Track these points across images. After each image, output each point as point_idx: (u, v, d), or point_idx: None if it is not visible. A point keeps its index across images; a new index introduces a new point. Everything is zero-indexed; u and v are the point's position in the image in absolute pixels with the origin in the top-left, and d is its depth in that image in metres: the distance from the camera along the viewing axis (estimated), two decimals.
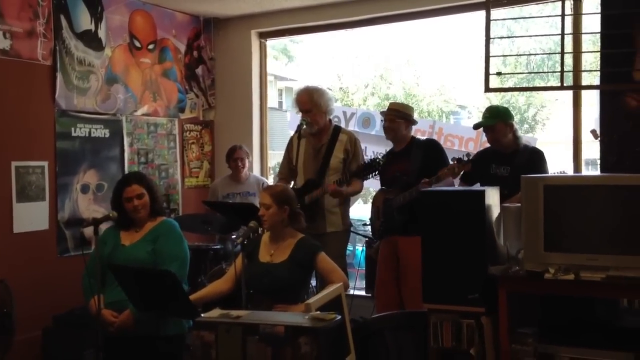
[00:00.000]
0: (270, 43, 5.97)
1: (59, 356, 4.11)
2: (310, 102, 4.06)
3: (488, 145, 4.14)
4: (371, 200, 4.46)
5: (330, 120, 4.22)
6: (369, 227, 4.46)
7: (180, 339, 3.26)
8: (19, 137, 4.32)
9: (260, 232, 3.37)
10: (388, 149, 4.38)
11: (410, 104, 4.73)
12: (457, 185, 4.06)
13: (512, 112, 4.15)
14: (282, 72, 14.39)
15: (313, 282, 3.81)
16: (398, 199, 4.03)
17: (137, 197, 3.24)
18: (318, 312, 2.22)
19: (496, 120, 3.87)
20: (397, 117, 4.18)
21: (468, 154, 4.07)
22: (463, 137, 6.06)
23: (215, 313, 2.26)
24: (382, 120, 4.40)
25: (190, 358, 3.88)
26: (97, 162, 4.84)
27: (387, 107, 4.32)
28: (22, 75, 4.34)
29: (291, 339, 2.03)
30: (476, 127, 4.09)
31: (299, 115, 4.17)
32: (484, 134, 4.04)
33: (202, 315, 2.27)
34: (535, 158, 3.88)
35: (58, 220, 4.55)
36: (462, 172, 3.89)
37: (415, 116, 4.37)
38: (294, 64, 14.93)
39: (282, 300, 2.97)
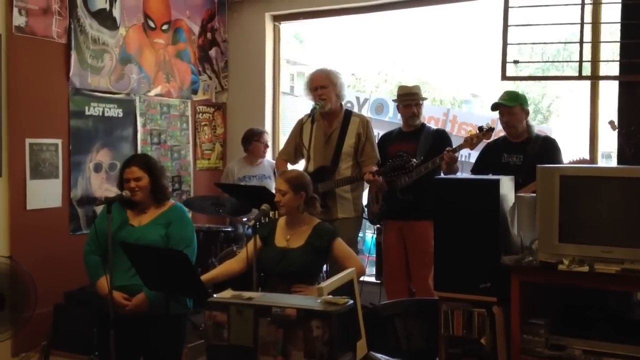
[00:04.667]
0: (283, 27, 5.93)
1: (70, 332, 4.14)
2: (327, 78, 4.08)
3: (502, 134, 4.10)
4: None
5: (341, 105, 4.22)
6: None
7: (185, 317, 3.28)
8: (33, 114, 4.32)
9: (272, 215, 3.37)
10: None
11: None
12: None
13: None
14: (294, 57, 14.31)
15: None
16: (404, 178, 4.00)
17: (135, 179, 3.24)
18: (330, 296, 2.22)
19: (516, 103, 3.83)
20: (420, 99, 4.23)
21: (488, 124, 4.01)
22: (477, 125, 6.02)
23: (227, 294, 2.26)
24: (398, 106, 4.36)
25: (199, 337, 3.95)
26: (110, 142, 4.85)
27: (405, 92, 4.29)
28: (36, 52, 4.33)
29: (303, 321, 2.02)
30: (494, 107, 3.96)
31: (311, 101, 4.15)
32: (499, 117, 3.97)
33: (215, 295, 2.27)
34: (549, 146, 3.85)
35: (71, 198, 4.57)
36: (480, 143, 3.87)
37: (428, 103, 4.39)
38: (306, 49, 14.84)
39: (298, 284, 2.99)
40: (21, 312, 3.57)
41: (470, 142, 3.87)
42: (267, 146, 5.24)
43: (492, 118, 4.89)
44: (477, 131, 3.89)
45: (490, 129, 3.84)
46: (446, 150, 3.88)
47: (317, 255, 3.11)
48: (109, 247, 3.06)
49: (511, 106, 3.83)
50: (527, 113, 3.90)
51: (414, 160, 3.82)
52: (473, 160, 4.25)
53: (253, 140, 5.14)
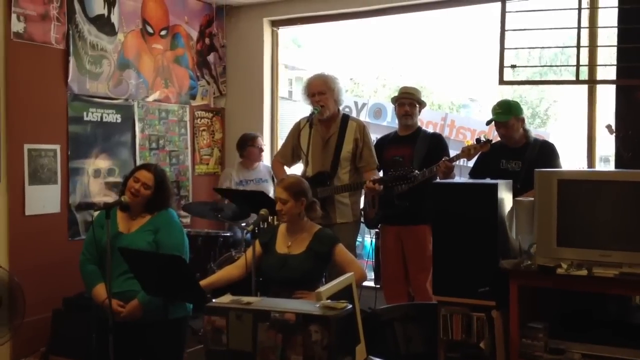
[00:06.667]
0: (281, 32, 5.94)
1: (68, 337, 4.14)
2: (325, 84, 4.06)
3: (499, 139, 4.10)
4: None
5: (339, 110, 4.21)
6: None
7: (184, 322, 3.27)
8: (31, 120, 4.32)
9: (270, 220, 3.37)
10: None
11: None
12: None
13: (524, 106, 4.11)
14: (292, 62, 14.30)
15: None
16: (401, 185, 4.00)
17: (144, 184, 3.22)
18: (329, 301, 2.22)
19: (509, 116, 3.82)
20: (415, 100, 4.21)
21: (485, 136, 4.03)
22: (475, 130, 6.05)
23: (226, 299, 2.26)
24: (395, 106, 4.36)
25: (198, 342, 3.95)
26: (109, 147, 4.85)
27: (401, 91, 4.30)
28: (35, 58, 4.34)
29: (302, 326, 2.02)
30: (489, 123, 4.02)
31: (309, 106, 4.15)
32: (496, 129, 4.00)
33: (214, 300, 2.27)
34: (547, 151, 3.84)
35: (69, 203, 4.57)
36: (478, 154, 3.87)
37: (427, 108, 4.38)
38: (305, 53, 14.85)
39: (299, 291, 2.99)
40: (11, 320, 3.56)
41: (467, 153, 3.87)
42: (262, 150, 5.22)
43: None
44: (475, 142, 3.89)
45: (488, 141, 3.83)
46: (443, 160, 3.88)
47: (318, 261, 3.11)
48: (107, 253, 3.05)
49: (505, 120, 3.82)
50: (523, 121, 3.88)
51: (417, 171, 3.81)
52: (471, 164, 4.26)
53: (248, 145, 5.15)
